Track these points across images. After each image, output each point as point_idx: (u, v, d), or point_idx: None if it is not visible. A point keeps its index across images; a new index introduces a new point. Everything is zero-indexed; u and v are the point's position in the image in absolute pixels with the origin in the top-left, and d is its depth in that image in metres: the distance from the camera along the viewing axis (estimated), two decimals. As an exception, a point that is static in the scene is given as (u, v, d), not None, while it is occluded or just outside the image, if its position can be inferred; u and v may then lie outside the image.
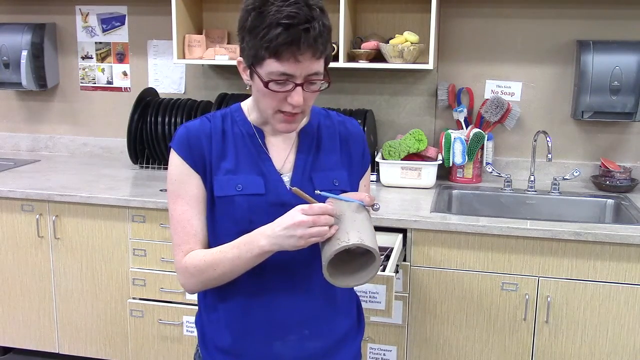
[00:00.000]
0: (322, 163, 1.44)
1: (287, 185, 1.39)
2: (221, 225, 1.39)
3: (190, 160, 1.38)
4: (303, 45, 1.23)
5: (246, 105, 1.45)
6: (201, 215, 1.40)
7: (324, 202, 1.34)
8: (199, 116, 2.98)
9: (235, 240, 1.33)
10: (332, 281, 1.27)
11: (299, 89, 1.29)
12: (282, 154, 1.43)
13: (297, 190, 1.27)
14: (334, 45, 2.76)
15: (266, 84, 1.28)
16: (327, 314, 1.46)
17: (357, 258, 1.31)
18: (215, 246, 1.40)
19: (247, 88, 1.38)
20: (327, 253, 1.24)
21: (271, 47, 1.24)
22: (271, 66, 1.26)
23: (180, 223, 1.39)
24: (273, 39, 1.23)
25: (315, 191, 1.33)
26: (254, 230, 1.31)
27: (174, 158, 1.39)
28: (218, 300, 1.44)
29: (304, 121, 1.47)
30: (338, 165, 1.45)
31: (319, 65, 1.29)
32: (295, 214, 1.24)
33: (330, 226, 1.25)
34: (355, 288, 1.52)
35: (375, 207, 1.34)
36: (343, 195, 1.34)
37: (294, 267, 1.38)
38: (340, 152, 1.47)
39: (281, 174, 1.41)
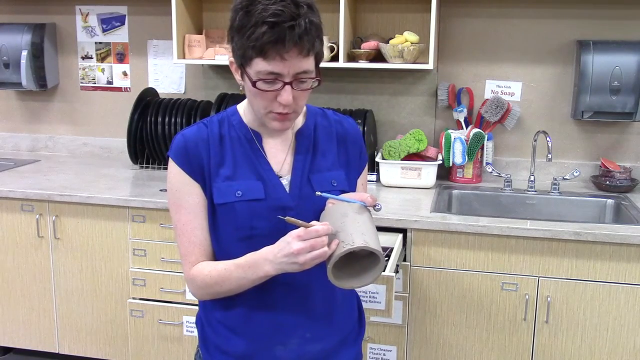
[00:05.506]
0: (319, 164, 1.43)
1: (287, 188, 1.39)
2: (223, 231, 1.38)
3: (189, 169, 1.37)
4: (288, 43, 1.22)
5: (242, 107, 1.45)
6: (205, 224, 1.40)
7: (326, 201, 1.34)
8: (199, 117, 3.02)
9: (240, 260, 1.33)
10: (337, 283, 1.26)
11: (287, 87, 1.28)
12: (279, 156, 1.42)
13: (290, 218, 1.25)
14: (333, 45, 2.75)
15: (254, 84, 1.28)
16: (328, 316, 1.46)
17: (361, 259, 1.30)
18: (219, 253, 1.40)
19: (240, 88, 1.37)
20: (332, 256, 1.24)
21: (257, 46, 1.23)
22: (259, 65, 1.26)
23: (184, 234, 1.39)
24: (259, 38, 1.22)
25: (316, 192, 1.33)
26: (257, 252, 1.31)
27: (173, 168, 1.39)
28: (219, 305, 1.44)
29: (301, 121, 1.46)
30: (335, 165, 1.45)
31: (307, 64, 1.28)
32: (293, 242, 1.23)
33: (329, 243, 1.24)
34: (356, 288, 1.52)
35: (377, 207, 1.33)
36: (345, 196, 1.33)
37: (296, 278, 1.37)
38: (337, 152, 1.47)
39: (280, 177, 1.40)
